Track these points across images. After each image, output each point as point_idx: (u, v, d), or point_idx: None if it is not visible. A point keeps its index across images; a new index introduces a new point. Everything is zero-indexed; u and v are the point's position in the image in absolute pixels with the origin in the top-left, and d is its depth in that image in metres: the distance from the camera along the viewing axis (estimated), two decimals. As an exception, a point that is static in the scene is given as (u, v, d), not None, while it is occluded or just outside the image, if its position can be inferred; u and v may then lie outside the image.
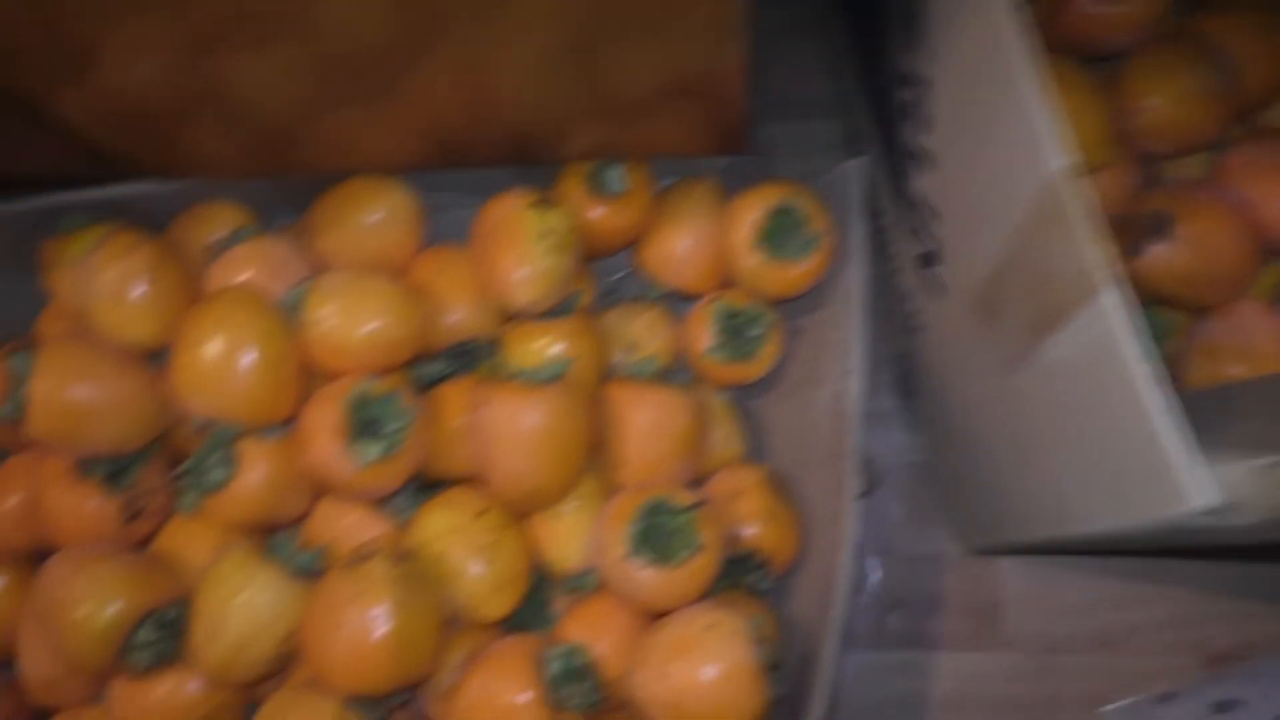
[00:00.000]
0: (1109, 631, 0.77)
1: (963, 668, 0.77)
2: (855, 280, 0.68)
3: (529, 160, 0.70)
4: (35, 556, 0.73)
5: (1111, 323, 0.37)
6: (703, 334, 0.73)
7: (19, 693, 0.71)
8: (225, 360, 0.64)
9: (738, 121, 0.64)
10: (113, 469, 0.69)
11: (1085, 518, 0.46)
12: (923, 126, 0.55)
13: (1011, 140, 0.43)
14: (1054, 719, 0.76)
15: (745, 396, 0.79)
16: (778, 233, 0.70)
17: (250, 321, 0.64)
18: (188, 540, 0.70)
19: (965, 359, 0.59)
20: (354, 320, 0.66)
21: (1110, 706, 0.74)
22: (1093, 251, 0.38)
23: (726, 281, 0.76)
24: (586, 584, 0.71)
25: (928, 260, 0.61)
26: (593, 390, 0.69)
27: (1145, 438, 0.37)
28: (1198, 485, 0.35)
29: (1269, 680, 0.61)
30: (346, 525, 0.69)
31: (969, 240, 0.53)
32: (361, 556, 0.63)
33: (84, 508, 0.68)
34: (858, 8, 0.61)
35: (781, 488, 0.71)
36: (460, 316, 0.73)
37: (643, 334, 0.77)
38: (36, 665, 0.68)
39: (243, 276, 0.69)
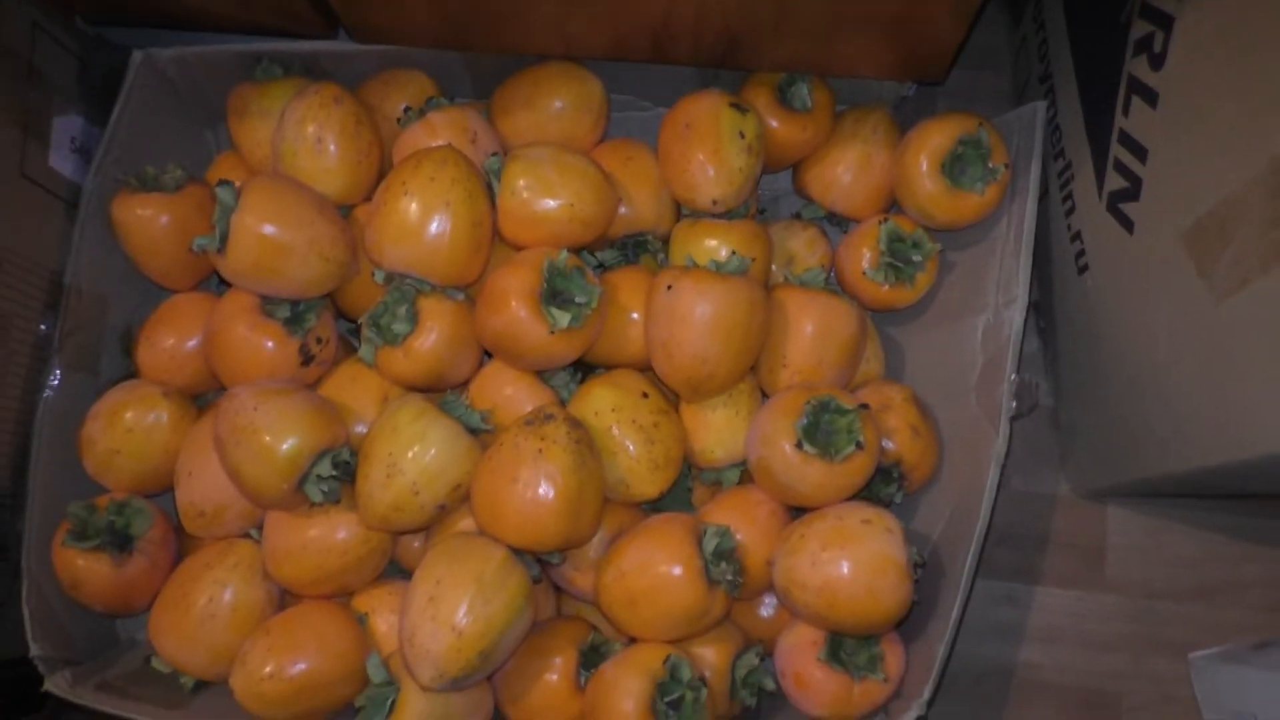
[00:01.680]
0: (1207, 584, 0.80)
1: (1062, 604, 0.81)
2: (1027, 215, 0.71)
3: (733, 64, 0.72)
4: (190, 396, 0.76)
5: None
6: (866, 253, 0.76)
7: (168, 522, 0.74)
8: (428, 215, 0.66)
9: (951, 49, 0.67)
10: (293, 313, 0.71)
11: (1267, 439, 0.49)
12: (1153, 63, 0.58)
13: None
14: (1144, 660, 0.79)
15: (882, 322, 0.82)
16: (959, 162, 0.72)
17: (459, 180, 0.66)
18: (355, 390, 0.73)
19: (1151, 294, 0.62)
20: (552, 192, 0.68)
21: (1200, 653, 0.77)
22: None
23: (887, 212, 0.79)
24: (727, 479, 0.74)
25: (1121, 197, 0.64)
26: (766, 293, 0.71)
27: None
28: None
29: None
30: (509, 394, 0.72)
31: (1189, 174, 0.56)
32: (543, 417, 0.65)
33: (264, 346, 0.70)
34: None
35: (925, 408, 0.74)
36: (637, 209, 0.75)
37: (800, 250, 0.79)
38: (197, 493, 0.71)
39: (439, 142, 0.71)
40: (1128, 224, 0.64)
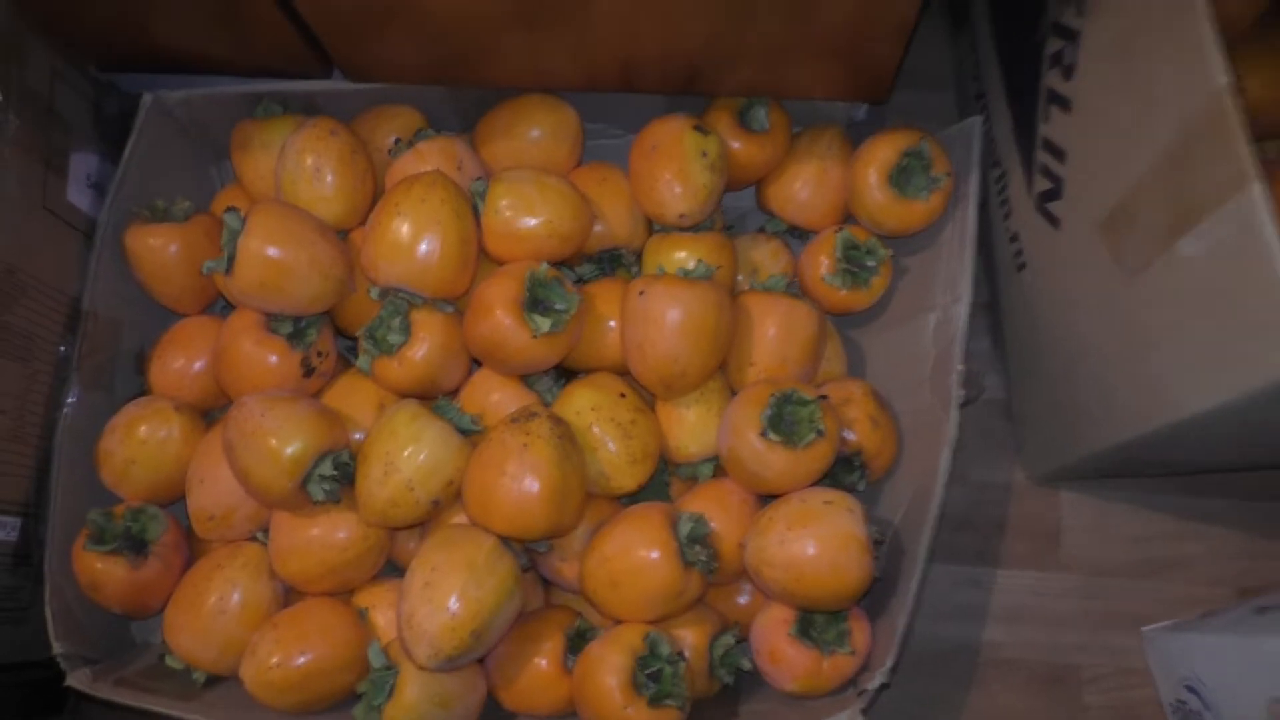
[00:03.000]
0: (1156, 561, 0.86)
1: (1021, 584, 0.86)
2: (969, 220, 0.77)
3: (695, 90, 0.79)
4: (198, 412, 0.82)
5: (1257, 208, 0.46)
6: (823, 260, 0.82)
7: (180, 528, 0.79)
8: (419, 234, 0.72)
9: (891, 71, 0.73)
10: (296, 328, 0.77)
11: (1189, 399, 0.55)
12: (1064, 74, 0.64)
13: (1169, 69, 0.52)
14: (1100, 634, 0.84)
15: (844, 325, 0.88)
16: (905, 173, 0.79)
17: (447, 200, 0.73)
18: (353, 400, 0.78)
19: (1077, 282, 0.68)
20: (532, 210, 0.75)
21: (1152, 626, 0.83)
22: (1242, 153, 0.47)
23: (843, 222, 0.85)
24: (702, 472, 0.79)
25: (1047, 197, 0.70)
26: (731, 298, 0.77)
27: (1273, 304, 0.46)
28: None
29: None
30: (497, 399, 0.78)
31: (1099, 170, 0.62)
32: (527, 415, 0.71)
33: (268, 359, 0.76)
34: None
35: (884, 401, 0.80)
36: (611, 226, 0.81)
37: (764, 261, 0.85)
38: (207, 498, 0.76)
39: (428, 168, 0.77)
40: (1054, 221, 0.70)
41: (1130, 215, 0.58)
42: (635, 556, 0.70)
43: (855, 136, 0.86)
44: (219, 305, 0.88)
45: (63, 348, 0.79)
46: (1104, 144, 0.62)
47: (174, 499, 0.80)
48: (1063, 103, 0.66)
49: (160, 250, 0.81)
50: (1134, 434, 0.65)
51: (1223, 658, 0.72)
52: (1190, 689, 0.76)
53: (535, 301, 0.73)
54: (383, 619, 0.75)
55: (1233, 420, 0.55)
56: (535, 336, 0.71)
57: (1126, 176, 0.58)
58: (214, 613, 0.74)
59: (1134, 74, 0.57)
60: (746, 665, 0.75)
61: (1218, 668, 0.73)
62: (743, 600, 0.79)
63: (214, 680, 0.76)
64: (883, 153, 0.78)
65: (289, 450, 0.70)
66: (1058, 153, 0.68)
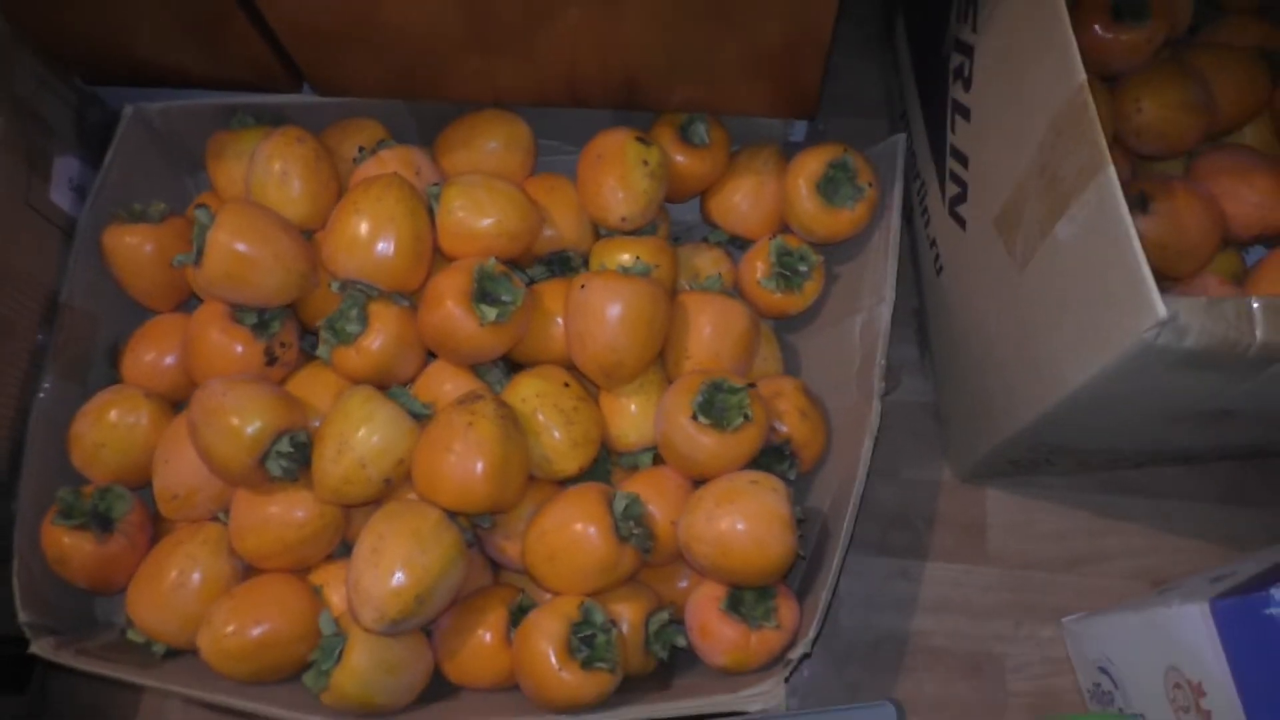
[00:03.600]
0: (1077, 556, 0.90)
1: (949, 576, 0.90)
2: (893, 227, 0.83)
3: (637, 106, 0.85)
4: (168, 402, 0.86)
5: (1111, 188, 0.52)
6: (759, 266, 0.87)
7: (145, 509, 0.83)
8: (377, 229, 0.78)
9: (814, 88, 0.80)
10: (260, 319, 0.82)
11: (1072, 375, 0.60)
12: (965, 86, 0.71)
13: (1041, 73, 0.58)
14: (1024, 624, 0.88)
15: (781, 329, 0.93)
16: (832, 183, 0.85)
17: (402, 199, 0.78)
18: (313, 388, 0.83)
19: (981, 279, 0.74)
20: (483, 211, 0.80)
21: (1071, 617, 0.87)
22: (1097, 140, 0.53)
23: (779, 232, 0.91)
24: (642, 461, 0.84)
25: (955, 201, 0.76)
26: (668, 294, 0.83)
27: (1126, 272, 0.51)
28: (1157, 302, 0.50)
29: (1258, 559, 0.74)
30: (449, 389, 0.82)
31: (993, 171, 0.68)
32: (473, 397, 0.76)
33: (233, 348, 0.80)
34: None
35: (813, 397, 0.85)
36: (560, 230, 0.87)
37: (705, 266, 0.91)
38: (172, 478, 0.80)
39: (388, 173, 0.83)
40: (962, 223, 0.76)
41: (1017, 210, 0.64)
42: (572, 530, 0.74)
43: (792, 155, 0.92)
44: (190, 303, 0.92)
45: (40, 337, 0.83)
46: (996, 147, 0.68)
47: (141, 484, 0.84)
48: (964, 112, 0.72)
49: (136, 249, 0.86)
50: (1034, 416, 0.70)
51: (1125, 635, 0.76)
52: (1103, 670, 0.80)
53: (483, 293, 0.78)
54: (336, 595, 0.79)
55: (1109, 391, 0.61)
56: (482, 325, 0.76)
57: (1013, 174, 0.64)
58: (174, 587, 0.77)
59: (1015, 81, 0.63)
60: (681, 642, 0.78)
61: (1122, 646, 0.77)
62: (682, 585, 0.83)
63: (173, 653, 0.80)
64: (811, 164, 0.85)
65: (249, 429, 0.74)
66: (962, 159, 0.74)
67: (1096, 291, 0.57)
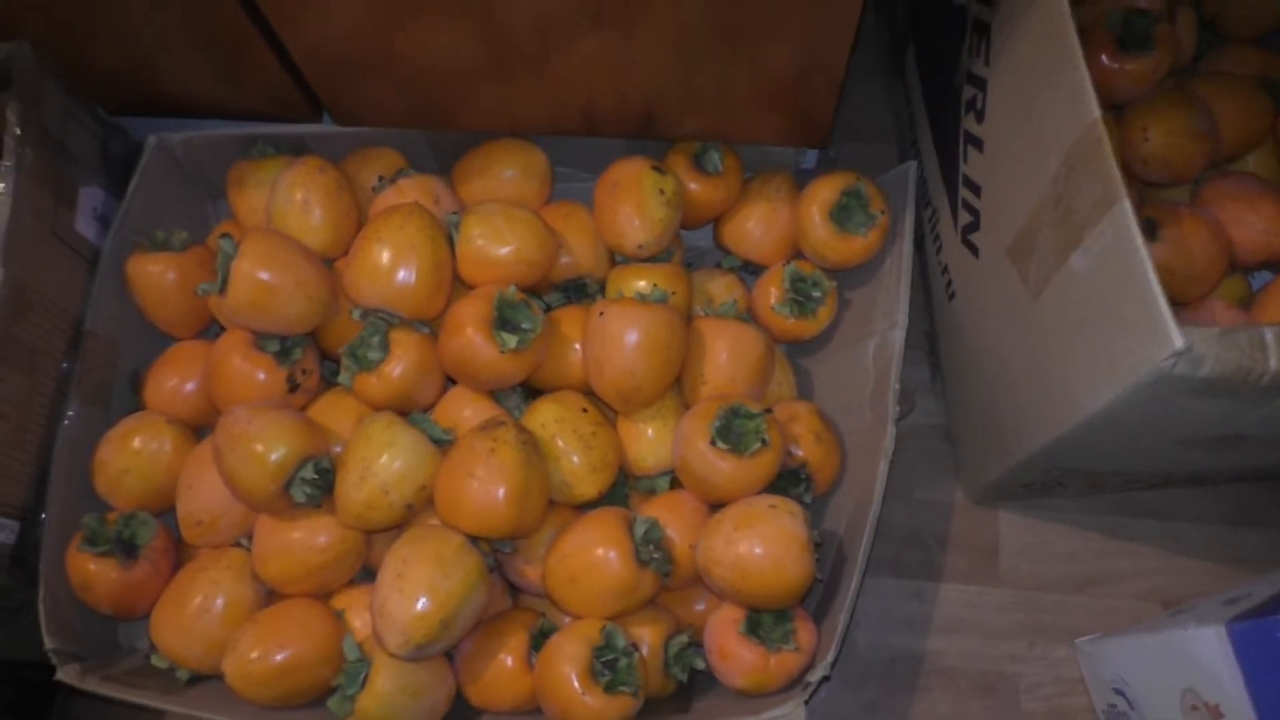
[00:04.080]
0: (1088, 577, 0.91)
1: (962, 598, 0.91)
2: (904, 254, 0.84)
3: (651, 135, 0.87)
4: (190, 428, 0.87)
5: (1126, 220, 0.53)
6: (773, 291, 0.89)
7: (169, 535, 0.84)
8: (398, 258, 0.79)
9: (828, 117, 0.81)
10: (282, 346, 0.83)
11: (1086, 401, 0.62)
12: (977, 118, 0.72)
13: (1054, 108, 0.60)
14: (1036, 645, 0.89)
15: (795, 354, 0.95)
16: (845, 211, 0.86)
17: (423, 228, 0.80)
18: (335, 415, 0.84)
19: (994, 306, 0.75)
20: (502, 239, 0.82)
21: (1084, 638, 0.88)
22: (1112, 174, 0.54)
23: (792, 258, 0.92)
24: (659, 485, 0.85)
25: (968, 230, 0.78)
26: (685, 320, 0.84)
27: (1141, 302, 0.53)
28: (1175, 333, 0.51)
29: (1271, 580, 0.75)
30: (468, 415, 0.83)
31: (1006, 201, 0.70)
32: (495, 423, 0.77)
33: (255, 375, 0.82)
34: (942, 24, 0.79)
35: (828, 420, 0.86)
36: (577, 257, 0.88)
37: (719, 292, 0.92)
38: (196, 504, 0.81)
39: (408, 202, 0.84)
40: (975, 250, 0.77)
41: (1031, 240, 0.66)
42: (593, 554, 0.75)
43: (803, 182, 0.93)
44: (211, 330, 0.94)
45: (65, 364, 0.84)
46: (1009, 178, 0.69)
47: (164, 509, 0.85)
48: (977, 143, 0.74)
49: (159, 277, 0.87)
50: (1047, 440, 0.71)
51: (1141, 657, 0.77)
52: (1118, 691, 0.81)
53: (503, 320, 0.79)
54: (358, 620, 0.80)
55: (1123, 417, 0.62)
56: (503, 352, 0.78)
57: (1026, 204, 0.66)
58: (198, 612, 0.78)
59: (1029, 114, 0.65)
60: (700, 664, 0.79)
61: (1138, 667, 0.78)
62: (699, 608, 0.84)
63: (197, 679, 0.80)
64: (824, 192, 0.86)
65: (274, 455, 0.75)
66: (975, 188, 0.75)
67: (1111, 321, 0.58)
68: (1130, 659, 0.79)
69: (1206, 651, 0.66)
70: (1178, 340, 0.52)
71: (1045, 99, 0.62)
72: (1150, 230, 0.81)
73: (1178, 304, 0.82)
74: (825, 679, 0.74)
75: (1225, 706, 0.65)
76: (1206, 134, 0.85)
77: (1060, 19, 0.59)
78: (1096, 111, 0.56)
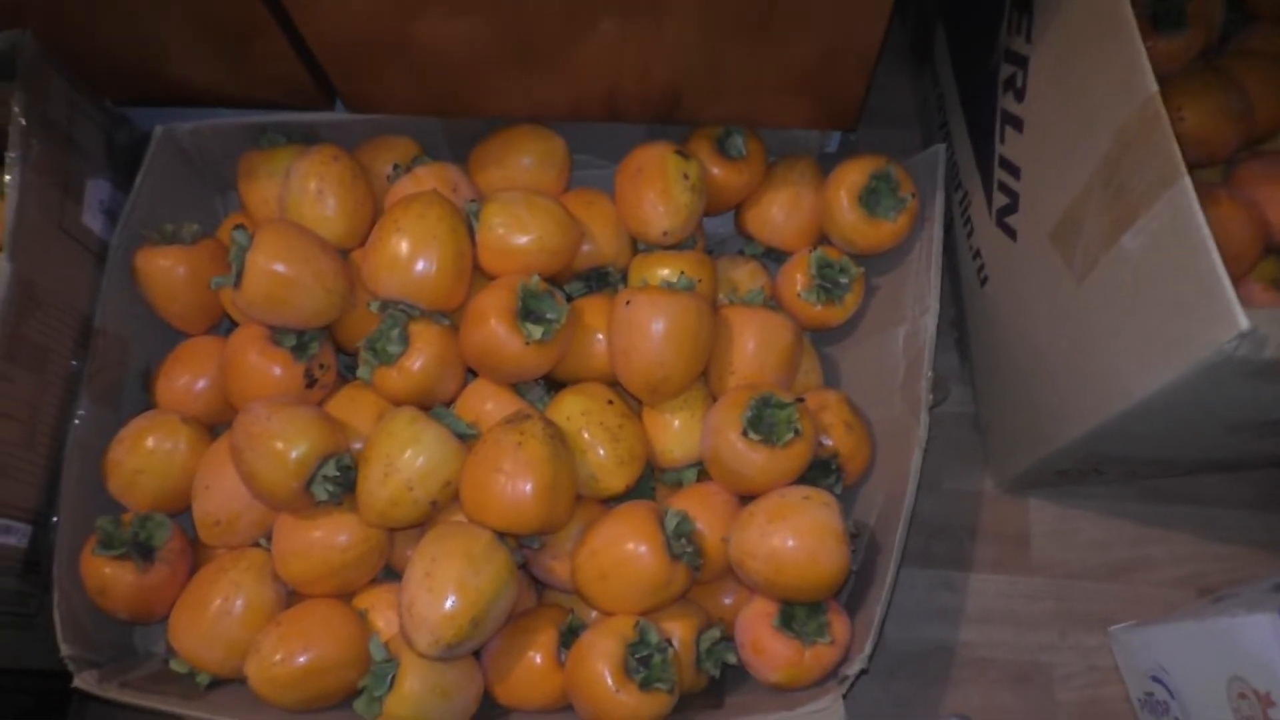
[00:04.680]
0: (1120, 564, 0.90)
1: (992, 587, 0.90)
2: (934, 238, 0.83)
3: (675, 120, 0.85)
4: (203, 426, 0.85)
5: (1187, 198, 0.52)
6: (799, 278, 0.87)
7: (185, 536, 0.82)
8: (418, 248, 0.77)
9: (857, 100, 0.79)
10: (299, 341, 0.81)
11: (1137, 385, 0.60)
12: (1017, 96, 0.70)
13: (1105, 84, 0.58)
14: (1070, 634, 0.88)
15: (820, 342, 0.93)
16: (874, 194, 0.84)
17: (444, 217, 0.77)
18: (354, 410, 0.82)
19: (1033, 290, 0.73)
20: (523, 228, 0.80)
21: (1118, 626, 0.86)
22: (1172, 150, 0.53)
23: (817, 243, 0.91)
24: (687, 477, 0.83)
25: (1004, 212, 0.76)
26: (712, 308, 0.82)
27: (1204, 282, 0.51)
28: (1239, 313, 0.50)
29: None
30: (490, 408, 0.81)
31: (1048, 182, 0.68)
32: (521, 417, 0.75)
33: (272, 370, 0.79)
34: (981, 5, 0.77)
35: (857, 409, 0.84)
36: (599, 245, 0.86)
37: (743, 280, 0.90)
38: (213, 504, 0.79)
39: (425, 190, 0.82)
40: (1011, 234, 0.76)
41: (1077, 221, 0.64)
42: (624, 549, 0.73)
43: (827, 166, 0.91)
44: (223, 325, 0.91)
45: (74, 362, 0.82)
46: (1053, 158, 0.68)
47: (179, 510, 0.83)
48: (1016, 123, 0.72)
49: (168, 271, 0.85)
50: (1090, 427, 0.69)
51: (1183, 645, 0.76)
52: (1156, 680, 0.80)
53: (527, 311, 0.78)
54: (382, 620, 0.78)
55: (1176, 401, 0.60)
56: (527, 344, 0.76)
57: (1073, 185, 0.64)
58: (218, 615, 0.76)
59: (1076, 91, 0.63)
60: (732, 659, 0.78)
61: (1179, 655, 0.77)
62: (728, 600, 0.82)
63: (217, 683, 0.78)
64: (853, 176, 0.84)
65: (294, 453, 0.73)
66: (1013, 170, 0.74)
67: (1167, 302, 0.56)
68: (1170, 647, 0.78)
69: (1257, 639, 0.65)
70: (1242, 321, 0.50)
71: (1095, 75, 0.60)
72: (1186, 210, 0.79)
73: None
74: (864, 672, 0.73)
75: (1277, 694, 0.64)
76: (1242, 114, 0.83)
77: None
78: (1153, 85, 0.54)
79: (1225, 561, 0.89)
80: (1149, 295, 0.58)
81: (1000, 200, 0.77)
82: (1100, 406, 0.66)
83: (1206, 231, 0.51)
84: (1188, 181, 0.52)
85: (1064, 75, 0.64)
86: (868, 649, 0.72)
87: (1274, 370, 0.54)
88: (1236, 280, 0.80)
